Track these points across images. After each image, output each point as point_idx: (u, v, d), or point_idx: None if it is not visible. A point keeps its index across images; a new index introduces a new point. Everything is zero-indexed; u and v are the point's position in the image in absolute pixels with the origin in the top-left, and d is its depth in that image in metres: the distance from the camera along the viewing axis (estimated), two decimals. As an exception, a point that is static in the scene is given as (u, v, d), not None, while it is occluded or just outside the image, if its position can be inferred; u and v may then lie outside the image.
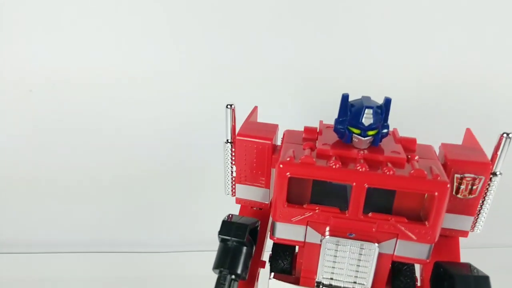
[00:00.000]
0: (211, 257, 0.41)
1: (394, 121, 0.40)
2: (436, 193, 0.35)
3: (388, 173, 0.36)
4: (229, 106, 0.42)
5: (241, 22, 0.67)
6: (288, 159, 0.37)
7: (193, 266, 0.68)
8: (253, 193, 0.45)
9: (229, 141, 0.43)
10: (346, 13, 0.66)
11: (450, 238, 0.43)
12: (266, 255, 0.46)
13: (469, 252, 0.47)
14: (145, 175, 0.77)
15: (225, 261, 0.38)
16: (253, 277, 0.44)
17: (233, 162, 0.44)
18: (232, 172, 0.45)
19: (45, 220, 0.80)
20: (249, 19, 0.66)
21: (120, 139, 0.74)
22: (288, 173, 0.37)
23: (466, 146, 0.43)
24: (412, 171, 0.36)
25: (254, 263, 0.44)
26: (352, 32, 0.67)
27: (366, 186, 0.36)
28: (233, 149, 0.43)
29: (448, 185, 0.35)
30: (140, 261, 0.79)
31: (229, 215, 0.43)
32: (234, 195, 0.46)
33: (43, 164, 0.76)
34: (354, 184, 0.36)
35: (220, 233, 0.39)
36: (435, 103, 0.72)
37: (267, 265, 0.44)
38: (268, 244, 0.46)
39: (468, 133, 0.45)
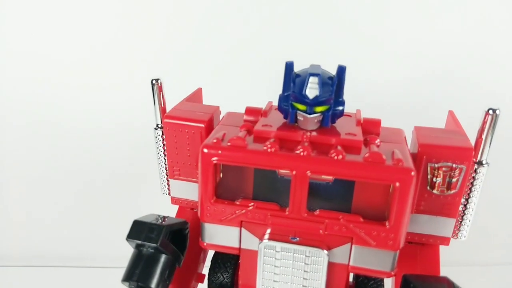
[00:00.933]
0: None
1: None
2: (397, 184, 0.27)
3: (336, 157, 0.28)
4: (154, 82, 0.35)
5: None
6: (214, 141, 0.30)
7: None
8: (190, 191, 0.37)
9: (159, 126, 0.36)
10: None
11: (427, 247, 0.35)
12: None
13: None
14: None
15: (134, 272, 0.30)
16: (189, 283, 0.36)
17: (165, 153, 0.36)
18: (165, 165, 0.37)
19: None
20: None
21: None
22: (214, 158, 0.29)
23: (446, 130, 0.35)
24: (366, 155, 0.28)
25: (187, 277, 0.36)
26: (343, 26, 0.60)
27: (309, 174, 0.28)
28: (163, 136, 0.36)
29: (413, 173, 0.27)
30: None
31: (158, 216, 0.35)
32: (170, 194, 0.39)
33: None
34: (294, 172, 0.28)
35: (128, 236, 0.31)
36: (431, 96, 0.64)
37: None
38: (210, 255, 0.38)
39: (451, 116, 0.37)
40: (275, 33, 0.61)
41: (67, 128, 0.67)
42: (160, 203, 0.42)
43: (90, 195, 0.71)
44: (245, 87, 0.59)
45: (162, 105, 0.36)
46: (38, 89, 0.65)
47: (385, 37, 0.61)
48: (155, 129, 0.36)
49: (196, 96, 0.40)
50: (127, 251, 0.36)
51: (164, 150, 0.37)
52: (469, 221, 0.34)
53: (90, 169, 0.69)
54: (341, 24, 0.60)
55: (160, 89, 0.35)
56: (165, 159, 0.37)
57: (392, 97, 0.62)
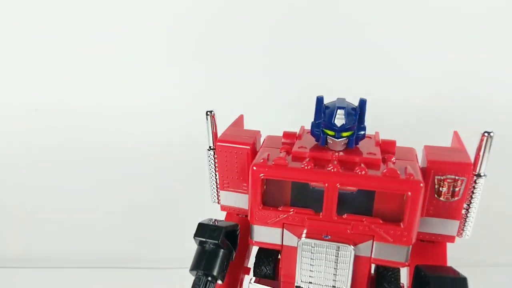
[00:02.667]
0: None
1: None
2: (409, 193, 0.34)
3: (360, 173, 0.35)
4: (208, 113, 0.43)
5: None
6: (261, 161, 0.38)
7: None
8: (237, 200, 0.45)
9: (211, 147, 0.44)
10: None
11: (436, 244, 0.41)
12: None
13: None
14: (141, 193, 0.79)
15: (200, 263, 0.38)
16: (236, 283, 0.44)
17: (216, 169, 0.44)
18: (216, 179, 0.45)
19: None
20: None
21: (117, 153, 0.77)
22: (261, 175, 0.37)
23: (450, 148, 0.42)
24: (384, 171, 0.35)
25: (237, 269, 0.44)
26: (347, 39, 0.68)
27: (338, 186, 0.35)
28: (215, 156, 0.44)
29: (422, 184, 0.34)
30: (143, 277, 0.79)
31: (212, 219, 0.43)
32: (220, 203, 0.47)
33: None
34: (326, 185, 0.36)
35: (195, 235, 0.39)
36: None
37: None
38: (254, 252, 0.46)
39: (456, 136, 0.44)
40: (296, 59, 0.69)
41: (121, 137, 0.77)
42: (200, 211, 0.50)
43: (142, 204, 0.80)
44: (279, 114, 0.67)
45: (214, 131, 0.44)
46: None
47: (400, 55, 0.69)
48: (208, 150, 0.44)
49: (239, 122, 0.48)
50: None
51: (215, 167, 0.44)
52: (471, 222, 0.40)
53: (137, 176, 0.79)
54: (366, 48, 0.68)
55: (213, 118, 0.43)
56: (216, 174, 0.45)
57: (406, 116, 0.70)
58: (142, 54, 0.71)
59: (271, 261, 0.43)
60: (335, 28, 0.68)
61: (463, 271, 0.42)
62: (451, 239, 0.41)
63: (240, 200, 0.45)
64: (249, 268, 0.45)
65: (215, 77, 0.72)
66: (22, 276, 0.81)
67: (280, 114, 0.68)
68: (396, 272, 0.40)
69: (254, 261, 0.44)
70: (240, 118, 0.49)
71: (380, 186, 0.35)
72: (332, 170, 0.36)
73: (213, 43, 0.70)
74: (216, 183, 0.45)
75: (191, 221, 0.43)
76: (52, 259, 0.83)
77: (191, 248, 0.41)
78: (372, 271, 0.41)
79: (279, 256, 0.43)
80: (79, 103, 0.75)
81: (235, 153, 0.43)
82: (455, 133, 0.44)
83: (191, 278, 0.40)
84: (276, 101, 0.70)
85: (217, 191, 0.46)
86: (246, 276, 0.45)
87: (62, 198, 0.81)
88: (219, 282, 0.40)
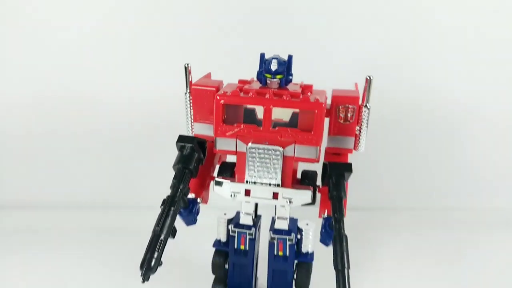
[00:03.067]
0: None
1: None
2: (316, 111, 0.54)
3: (286, 98, 0.55)
4: (186, 66, 0.61)
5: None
6: (222, 92, 0.57)
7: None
8: (206, 129, 0.63)
9: (187, 91, 0.62)
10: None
11: (341, 156, 0.61)
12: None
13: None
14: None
15: (180, 160, 0.56)
16: (204, 184, 0.62)
17: (191, 107, 0.63)
18: (191, 115, 0.63)
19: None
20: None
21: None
22: (222, 101, 0.56)
23: (349, 90, 0.62)
24: (301, 97, 0.55)
25: (206, 173, 0.62)
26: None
27: (271, 107, 0.55)
28: (190, 97, 0.62)
29: (323, 105, 0.54)
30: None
31: None
32: (193, 133, 0.65)
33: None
34: (264, 107, 0.55)
35: (177, 141, 0.57)
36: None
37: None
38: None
39: (356, 86, 0.64)
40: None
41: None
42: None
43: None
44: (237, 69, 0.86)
45: (190, 80, 0.62)
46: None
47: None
48: (185, 94, 0.63)
49: (207, 76, 0.67)
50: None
51: (191, 106, 0.63)
52: (364, 139, 0.60)
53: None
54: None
55: (189, 70, 0.61)
56: (191, 111, 0.63)
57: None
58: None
59: (230, 170, 0.62)
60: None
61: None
62: (350, 151, 0.61)
63: (208, 129, 0.63)
64: (214, 177, 0.63)
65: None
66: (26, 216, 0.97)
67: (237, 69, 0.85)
68: (314, 173, 0.60)
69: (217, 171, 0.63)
70: (208, 75, 0.68)
71: (297, 106, 0.55)
72: (268, 97, 0.55)
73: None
74: (191, 118, 0.64)
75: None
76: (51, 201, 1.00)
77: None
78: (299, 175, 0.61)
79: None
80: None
81: (204, 94, 0.61)
82: (356, 85, 0.65)
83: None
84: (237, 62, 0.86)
85: (191, 124, 0.64)
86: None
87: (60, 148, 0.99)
88: (193, 177, 0.58)
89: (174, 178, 0.55)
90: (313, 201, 0.59)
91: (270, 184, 0.58)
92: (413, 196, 1.05)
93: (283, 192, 0.58)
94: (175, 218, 0.52)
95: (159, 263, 0.49)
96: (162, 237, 0.50)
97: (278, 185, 0.58)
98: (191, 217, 0.60)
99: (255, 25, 0.92)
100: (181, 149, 0.57)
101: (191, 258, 0.80)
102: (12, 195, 1.01)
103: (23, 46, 0.95)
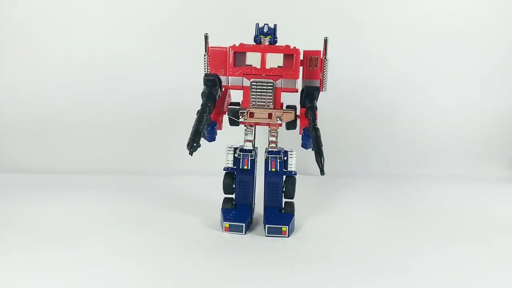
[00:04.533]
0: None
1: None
2: (294, 54, 0.84)
3: (274, 47, 0.85)
4: (205, 34, 0.90)
5: None
6: (232, 45, 0.86)
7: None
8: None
9: (206, 53, 0.91)
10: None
11: (312, 93, 0.90)
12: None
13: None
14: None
15: (207, 88, 0.82)
16: (220, 114, 0.88)
17: (208, 63, 0.91)
18: (207, 69, 0.91)
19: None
20: None
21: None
22: (233, 50, 0.85)
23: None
24: (284, 46, 0.85)
25: (220, 108, 0.88)
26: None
27: (265, 53, 0.84)
28: (207, 56, 0.90)
29: (299, 51, 0.84)
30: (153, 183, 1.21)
31: None
32: (208, 83, 0.92)
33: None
34: (261, 53, 0.84)
35: (204, 77, 0.84)
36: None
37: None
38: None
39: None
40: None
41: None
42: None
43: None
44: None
45: (208, 44, 0.91)
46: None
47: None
48: (204, 55, 0.91)
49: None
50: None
51: (208, 62, 0.90)
52: (325, 82, 0.90)
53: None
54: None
55: (207, 38, 0.90)
56: (208, 67, 0.91)
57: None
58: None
59: (236, 105, 0.89)
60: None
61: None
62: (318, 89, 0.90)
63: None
64: (225, 111, 0.90)
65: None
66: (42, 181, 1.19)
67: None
68: (295, 106, 0.88)
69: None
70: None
71: (282, 51, 0.84)
72: (263, 47, 0.85)
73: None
74: (208, 69, 0.91)
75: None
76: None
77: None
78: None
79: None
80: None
81: (218, 52, 0.88)
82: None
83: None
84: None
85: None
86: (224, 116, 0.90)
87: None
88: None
89: (203, 98, 0.81)
90: (295, 119, 0.86)
91: (266, 107, 0.86)
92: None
93: (275, 112, 0.85)
94: (206, 120, 0.78)
95: (199, 144, 0.74)
96: (200, 129, 0.75)
97: (271, 108, 0.86)
98: (212, 133, 0.86)
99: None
100: (206, 82, 0.84)
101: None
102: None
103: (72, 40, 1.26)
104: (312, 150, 0.76)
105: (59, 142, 1.31)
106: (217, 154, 0.98)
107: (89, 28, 1.29)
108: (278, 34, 0.88)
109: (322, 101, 1.14)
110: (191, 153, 0.73)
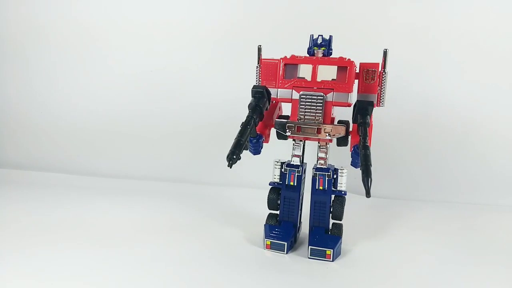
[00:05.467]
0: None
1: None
2: (348, 67, 0.79)
3: (328, 59, 0.81)
4: (259, 46, 0.88)
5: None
6: (284, 57, 0.83)
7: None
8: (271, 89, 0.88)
9: (258, 65, 0.89)
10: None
11: (367, 109, 0.85)
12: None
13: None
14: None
15: (254, 99, 0.80)
16: (267, 126, 0.85)
17: (260, 74, 0.89)
18: (258, 81, 0.89)
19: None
20: None
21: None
22: (283, 62, 0.82)
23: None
24: (338, 58, 0.80)
25: (268, 121, 0.86)
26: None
27: (317, 66, 0.80)
28: (260, 68, 0.89)
29: (353, 63, 0.79)
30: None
31: None
32: (259, 95, 0.90)
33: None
34: (312, 65, 0.81)
35: (252, 88, 0.82)
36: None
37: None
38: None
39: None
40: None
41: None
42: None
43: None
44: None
45: (261, 56, 0.89)
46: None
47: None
48: (256, 67, 0.89)
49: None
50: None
51: (260, 73, 0.89)
52: (383, 97, 0.83)
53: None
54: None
55: (260, 49, 0.88)
56: (259, 78, 0.89)
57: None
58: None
59: (285, 118, 0.86)
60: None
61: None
62: (375, 105, 0.84)
63: (271, 91, 0.88)
64: (273, 125, 0.87)
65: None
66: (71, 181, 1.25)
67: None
68: (347, 121, 0.83)
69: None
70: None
71: (335, 63, 0.80)
72: (315, 59, 0.81)
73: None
74: (259, 81, 0.89)
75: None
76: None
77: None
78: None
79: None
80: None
81: (270, 64, 0.86)
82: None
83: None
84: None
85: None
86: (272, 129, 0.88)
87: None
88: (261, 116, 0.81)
89: (249, 110, 0.79)
90: (346, 135, 0.81)
91: (314, 121, 0.81)
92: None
93: (325, 127, 0.81)
94: (249, 133, 0.76)
95: (239, 157, 0.72)
96: (241, 141, 0.74)
97: (320, 122, 0.81)
98: (257, 147, 0.84)
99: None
100: (254, 94, 0.82)
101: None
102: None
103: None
104: (360, 169, 0.70)
105: (122, 149, 1.37)
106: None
107: (150, 39, 1.34)
108: (336, 47, 0.84)
109: (383, 118, 1.08)
110: (230, 166, 0.71)
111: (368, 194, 0.66)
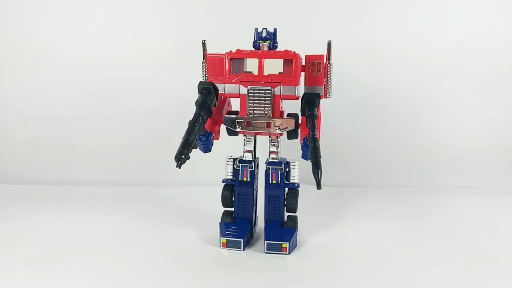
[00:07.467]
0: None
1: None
2: (293, 60, 0.79)
3: (273, 53, 0.80)
4: (203, 41, 0.86)
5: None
6: (229, 51, 0.82)
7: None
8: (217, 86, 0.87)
9: (204, 60, 0.87)
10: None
11: (314, 100, 0.85)
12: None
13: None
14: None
15: (201, 96, 0.78)
16: (216, 123, 0.84)
17: (206, 70, 0.87)
18: (205, 76, 0.87)
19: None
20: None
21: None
22: (229, 57, 0.81)
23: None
24: (283, 51, 0.80)
25: (217, 117, 0.84)
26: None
27: (263, 59, 0.80)
28: (206, 64, 0.87)
29: (299, 56, 0.79)
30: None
31: None
32: (208, 91, 0.88)
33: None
34: (258, 59, 0.80)
35: (198, 85, 0.80)
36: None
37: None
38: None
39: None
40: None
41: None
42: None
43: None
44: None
45: (206, 50, 0.87)
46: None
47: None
48: (202, 62, 0.87)
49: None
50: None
51: (206, 69, 0.86)
52: (330, 89, 0.84)
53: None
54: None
55: (205, 44, 0.86)
56: (206, 74, 0.87)
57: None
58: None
59: (234, 113, 0.85)
60: None
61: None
62: (322, 96, 0.84)
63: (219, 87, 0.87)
64: (222, 120, 0.86)
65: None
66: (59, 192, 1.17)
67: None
68: (296, 114, 0.83)
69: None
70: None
71: (281, 57, 0.80)
72: (261, 52, 0.80)
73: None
74: (206, 77, 0.87)
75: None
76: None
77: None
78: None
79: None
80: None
81: (216, 59, 0.84)
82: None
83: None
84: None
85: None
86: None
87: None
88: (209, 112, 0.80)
89: (196, 108, 0.77)
90: (296, 128, 0.81)
91: (264, 116, 0.81)
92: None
93: (274, 121, 0.80)
94: (198, 131, 0.74)
95: (188, 156, 0.70)
96: (190, 140, 0.71)
97: (270, 116, 0.81)
98: (207, 144, 0.82)
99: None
100: (201, 91, 0.80)
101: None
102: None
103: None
104: (310, 162, 0.70)
105: (64, 153, 1.29)
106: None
107: (91, 39, 1.28)
108: (281, 40, 0.84)
109: (331, 109, 1.09)
110: (179, 166, 0.69)
111: (319, 186, 0.66)
